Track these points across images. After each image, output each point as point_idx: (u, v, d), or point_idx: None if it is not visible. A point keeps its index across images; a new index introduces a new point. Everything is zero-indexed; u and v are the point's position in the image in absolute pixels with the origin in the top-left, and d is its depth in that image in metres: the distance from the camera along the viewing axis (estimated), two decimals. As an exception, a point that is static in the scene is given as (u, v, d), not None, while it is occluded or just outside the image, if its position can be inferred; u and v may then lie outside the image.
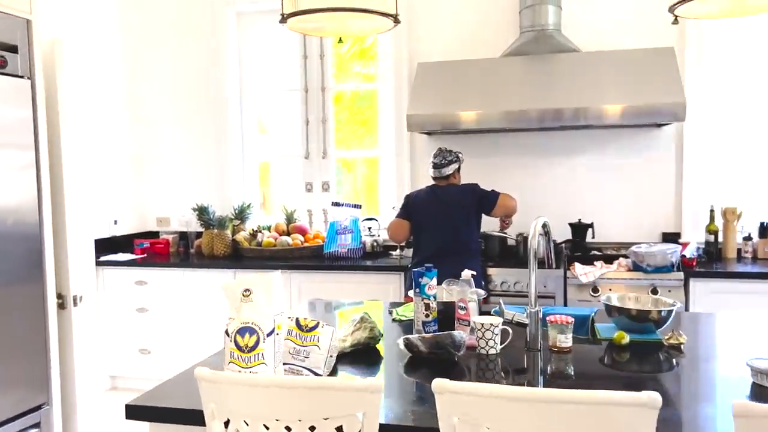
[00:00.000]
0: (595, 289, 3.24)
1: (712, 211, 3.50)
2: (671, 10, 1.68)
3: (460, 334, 1.73)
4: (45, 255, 2.58)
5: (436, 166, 3.22)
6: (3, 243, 2.34)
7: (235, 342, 1.45)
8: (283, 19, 1.75)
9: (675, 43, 3.63)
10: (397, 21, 1.83)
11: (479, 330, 1.79)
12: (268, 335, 1.45)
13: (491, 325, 1.77)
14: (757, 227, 3.48)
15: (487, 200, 3.14)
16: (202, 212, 4.07)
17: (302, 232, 4.13)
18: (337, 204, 3.99)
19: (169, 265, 3.91)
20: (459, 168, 3.26)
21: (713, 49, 3.61)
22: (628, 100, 3.24)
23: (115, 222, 4.25)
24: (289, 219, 4.19)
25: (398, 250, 3.96)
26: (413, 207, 3.25)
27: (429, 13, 3.99)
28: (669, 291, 3.15)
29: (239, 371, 1.44)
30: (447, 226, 3.13)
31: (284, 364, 1.57)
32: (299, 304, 3.72)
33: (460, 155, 3.25)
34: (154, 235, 4.50)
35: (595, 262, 3.36)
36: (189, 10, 4.39)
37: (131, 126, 4.46)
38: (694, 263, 3.25)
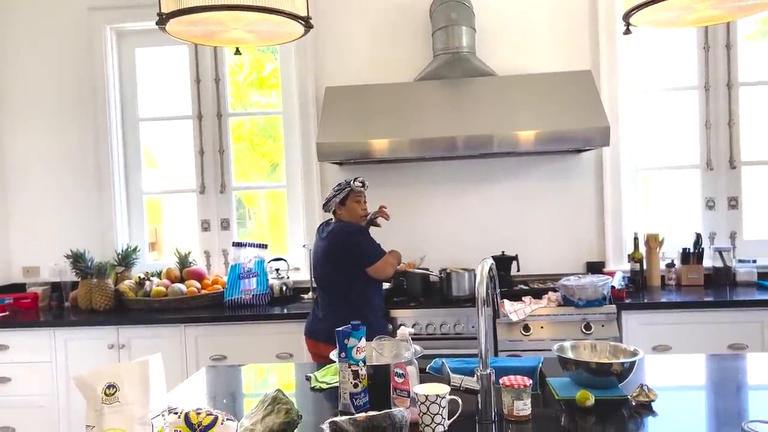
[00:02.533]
0: (527, 328, 3.00)
1: (636, 238, 3.40)
2: (625, 18, 1.47)
3: (401, 412, 1.38)
4: None
5: (323, 207, 2.93)
6: None
7: (94, 462, 1.01)
8: (162, 20, 1.36)
9: (590, 67, 3.55)
10: (308, 26, 1.49)
11: (423, 403, 1.44)
12: (144, 448, 1.03)
13: (437, 396, 1.43)
14: (679, 253, 3.42)
15: (362, 257, 2.77)
16: (77, 259, 3.47)
17: (199, 277, 3.63)
18: (239, 244, 3.54)
19: (36, 325, 3.28)
20: (343, 200, 2.86)
21: (629, 72, 3.56)
22: (548, 125, 3.08)
23: (-33, 275, 3.55)
24: (183, 263, 3.68)
25: (310, 293, 3.57)
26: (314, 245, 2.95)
27: (336, 34, 3.70)
28: (602, 325, 2.97)
29: (101, 504, 1.00)
30: (325, 271, 2.84)
31: (170, 479, 1.14)
32: (197, 363, 3.21)
33: (352, 182, 2.86)
34: (19, 288, 3.81)
35: (523, 298, 3.13)
36: (59, 27, 3.83)
37: (-11, 160, 3.79)
38: (624, 294, 3.11)
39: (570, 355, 1.78)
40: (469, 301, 3.20)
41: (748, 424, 1.29)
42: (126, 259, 3.66)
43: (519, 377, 1.54)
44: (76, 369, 3.24)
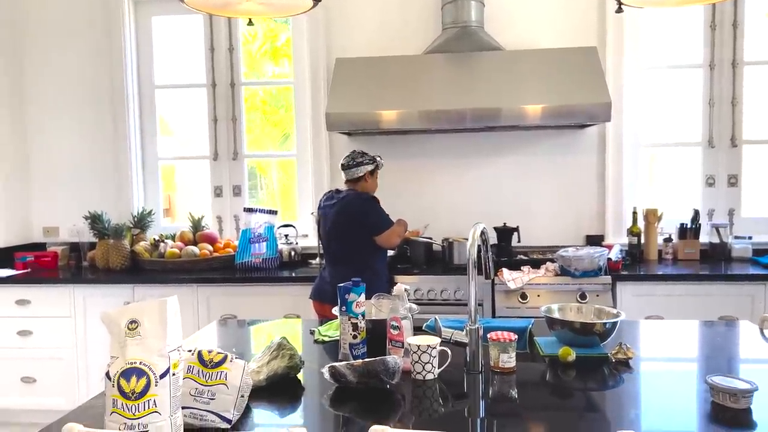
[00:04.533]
0: (524, 296, 3.12)
1: (635, 212, 3.49)
2: (617, -5, 1.55)
3: (394, 359, 1.50)
4: None
5: (343, 168, 3.02)
6: None
7: (119, 387, 1.15)
8: (180, -9, 1.46)
9: (596, 43, 3.60)
10: (317, 0, 1.58)
11: (414, 353, 1.57)
12: (162, 377, 1.16)
13: (428, 347, 1.56)
14: (677, 228, 3.50)
15: (371, 226, 2.90)
16: (95, 220, 3.62)
17: (211, 240, 3.77)
18: (250, 210, 3.67)
19: (56, 282, 3.44)
20: (373, 171, 3.03)
21: (633, 48, 3.61)
22: (551, 100, 3.16)
23: (-9, 233, 3.71)
24: (196, 227, 3.82)
25: (318, 259, 3.70)
26: (318, 210, 3.07)
27: (348, 6, 3.76)
28: (597, 295, 3.08)
29: (124, 424, 1.14)
30: (334, 235, 2.96)
31: (184, 408, 1.28)
32: (208, 322, 3.37)
33: (378, 158, 3.04)
34: (40, 247, 3.98)
35: (522, 267, 3.24)
36: (78, -6, 3.93)
37: (11, 123, 3.92)
38: (620, 266, 3.21)
39: (557, 316, 1.89)
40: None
41: (711, 378, 1.41)
42: (141, 222, 3.81)
43: (505, 332, 1.66)
44: (93, 324, 3.41)
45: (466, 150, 3.75)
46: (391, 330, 1.67)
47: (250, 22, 1.68)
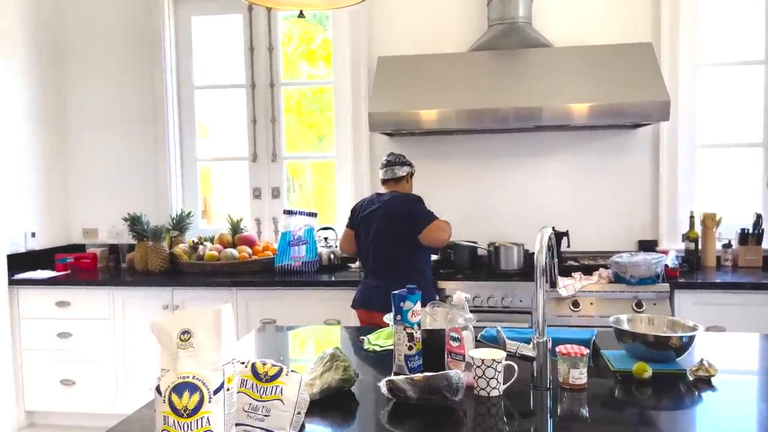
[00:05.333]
0: (576, 304, 2.98)
1: (692, 217, 3.31)
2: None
3: (458, 374, 1.39)
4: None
5: (388, 164, 2.92)
6: None
7: (171, 403, 1.07)
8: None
9: (650, 39, 3.43)
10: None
11: (478, 367, 1.45)
12: (216, 392, 1.08)
13: (493, 361, 1.44)
14: (737, 233, 3.31)
15: (416, 222, 2.74)
16: (134, 222, 3.59)
17: (250, 243, 3.71)
18: (289, 212, 3.59)
19: (96, 284, 3.42)
20: (411, 175, 2.96)
21: (689, 44, 3.43)
22: (603, 98, 3.01)
23: (33, 234, 3.71)
24: (235, 229, 3.77)
25: (357, 263, 3.60)
26: (356, 215, 2.96)
27: (390, 3, 3.67)
28: (654, 304, 2.92)
29: (176, 443, 1.05)
30: (381, 240, 2.82)
31: (237, 425, 1.19)
32: (247, 326, 3.30)
33: (411, 163, 2.97)
34: (79, 248, 3.98)
35: (573, 274, 3.10)
36: (119, -5, 3.92)
37: (52, 125, 3.92)
38: (678, 273, 3.04)
39: (626, 327, 1.76)
40: (518, 275, 3.19)
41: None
42: (180, 224, 3.77)
43: (576, 346, 1.54)
44: (132, 327, 3.38)
45: (512, 150, 3.62)
46: (451, 342, 1.56)
47: (301, 14, 1.59)
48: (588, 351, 1.52)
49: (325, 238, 3.68)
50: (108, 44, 3.94)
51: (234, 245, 3.70)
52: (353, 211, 2.99)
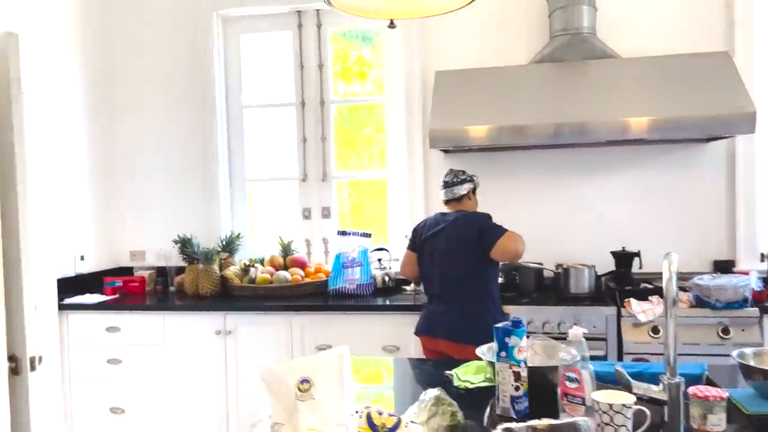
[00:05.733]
0: (655, 330, 2.78)
1: (775, 235, 3.10)
2: None
3: (586, 423, 1.23)
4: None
5: (446, 185, 2.78)
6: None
7: (288, 463, 0.93)
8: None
9: (723, 47, 3.26)
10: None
11: (605, 413, 1.29)
12: (339, 451, 0.94)
13: (623, 406, 1.28)
14: (824, 253, 3.10)
15: (487, 237, 2.59)
16: (185, 244, 3.50)
17: (301, 265, 3.59)
18: (343, 233, 3.47)
19: (145, 308, 3.32)
20: (474, 190, 2.82)
21: (764, 54, 3.25)
22: (680, 111, 2.84)
23: (82, 258, 3.64)
24: (286, 250, 3.66)
25: (411, 285, 3.46)
26: (419, 237, 2.81)
27: (445, 16, 3.55)
28: (742, 330, 2.72)
29: None
30: (449, 262, 2.66)
31: (352, 484, 1.05)
32: (302, 352, 3.17)
33: (475, 178, 2.82)
34: (126, 271, 3.90)
35: (650, 297, 2.91)
36: (169, 12, 3.87)
37: (100, 144, 3.87)
38: (765, 297, 2.83)
39: (752, 362, 1.58)
40: (589, 298, 3.01)
41: None
42: (229, 245, 3.67)
43: (712, 388, 1.36)
44: (184, 353, 3.27)
45: (577, 167, 3.45)
46: (567, 383, 1.40)
47: (392, 24, 1.47)
48: (727, 394, 1.35)
49: (379, 260, 3.55)
50: (156, 65, 3.89)
51: (286, 267, 3.58)
52: (415, 232, 2.85)
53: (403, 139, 3.65)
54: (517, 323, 1.47)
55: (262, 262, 3.69)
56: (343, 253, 3.42)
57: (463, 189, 2.74)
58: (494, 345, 1.49)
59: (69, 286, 3.51)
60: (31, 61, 3.22)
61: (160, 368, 3.30)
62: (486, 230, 2.61)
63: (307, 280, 3.47)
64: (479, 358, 1.89)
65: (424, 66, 3.58)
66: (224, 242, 3.67)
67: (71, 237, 3.58)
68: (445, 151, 3.48)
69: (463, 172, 2.78)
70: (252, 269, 3.50)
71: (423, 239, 2.77)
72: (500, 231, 2.60)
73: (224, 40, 3.89)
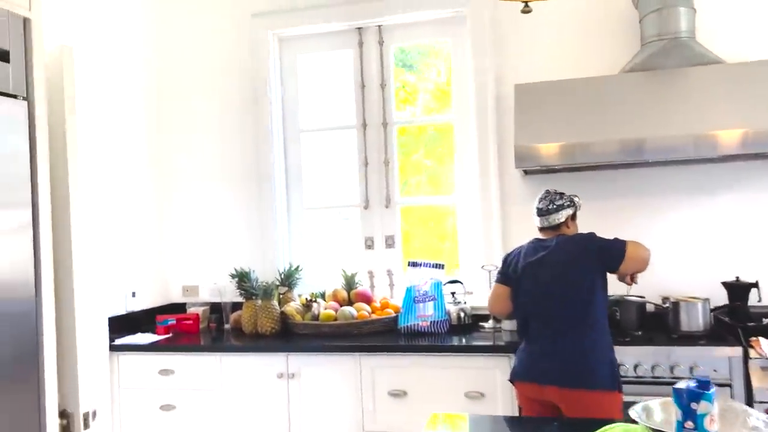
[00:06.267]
0: (792, 374, 2.37)
1: None
2: None
3: None
4: (43, 352, 1.75)
5: (541, 213, 2.45)
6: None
7: None
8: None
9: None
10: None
11: None
12: None
13: None
14: None
15: (610, 253, 2.30)
16: (242, 278, 3.24)
17: (367, 300, 3.29)
18: (414, 264, 3.16)
19: (201, 349, 3.06)
20: (574, 215, 2.49)
21: None
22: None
23: (133, 294, 3.42)
24: (350, 284, 3.36)
25: (491, 322, 3.12)
26: (512, 268, 2.47)
27: (521, 26, 3.27)
28: None
29: None
30: (558, 292, 2.31)
31: None
32: (373, 398, 2.84)
33: (575, 199, 2.49)
34: (179, 308, 3.66)
35: (780, 335, 2.50)
36: (224, 31, 3.69)
37: (151, 171, 3.68)
38: None
39: None
40: (705, 337, 2.62)
41: None
42: (289, 279, 3.40)
43: None
44: (243, 398, 2.98)
45: (679, 186, 3.09)
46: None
47: (526, 7, 1.20)
48: None
49: (453, 293, 3.22)
50: (208, 90, 3.71)
51: (350, 302, 3.29)
52: (506, 263, 2.52)
53: (474, 160, 3.35)
54: (704, 384, 1.13)
55: (323, 296, 3.40)
56: (414, 287, 3.11)
57: (562, 216, 2.41)
58: (676, 411, 1.14)
59: (120, 325, 3.27)
60: (86, 82, 3.05)
61: (218, 415, 3.01)
62: (605, 246, 2.30)
63: (375, 316, 3.16)
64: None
65: (499, 79, 3.29)
66: (283, 275, 3.40)
67: (124, 272, 3.36)
68: (525, 172, 3.17)
69: (561, 195, 2.45)
70: (314, 305, 3.22)
71: (520, 270, 2.43)
72: (621, 241, 2.32)
73: (281, 61, 3.69)
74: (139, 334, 3.29)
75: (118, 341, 3.14)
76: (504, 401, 2.69)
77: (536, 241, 2.46)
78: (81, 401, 1.85)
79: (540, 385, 2.25)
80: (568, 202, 2.43)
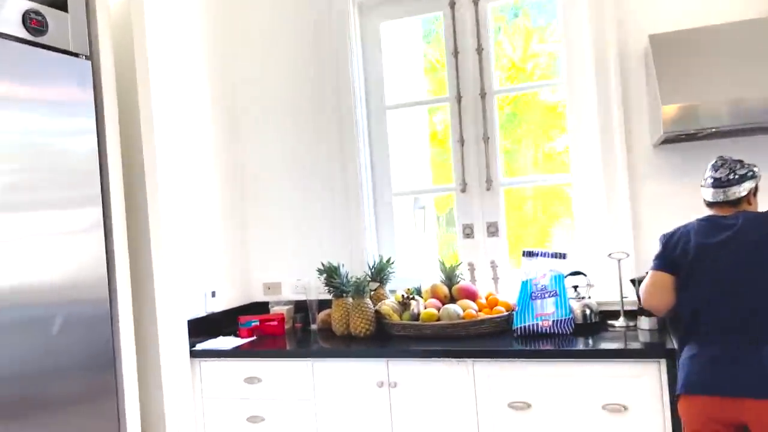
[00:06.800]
0: None
1: None
2: None
3: None
4: (121, 361, 1.43)
5: (719, 184, 1.96)
6: (52, 346, 1.22)
7: None
8: None
9: None
10: None
11: None
12: None
13: None
14: None
15: None
16: (332, 275, 2.89)
17: (472, 296, 2.88)
18: (530, 253, 2.73)
19: (290, 355, 2.73)
20: (756, 189, 2.00)
21: None
22: None
23: (213, 294, 3.13)
24: (450, 278, 2.96)
25: (621, 319, 2.65)
26: (680, 251, 1.99)
27: (650, -33, 2.76)
28: None
29: None
30: (750, 284, 1.82)
31: None
32: (492, 411, 2.43)
33: (755, 169, 1.98)
34: (261, 307, 3.35)
35: None
36: (296, 7, 3.34)
37: (227, 162, 3.37)
38: None
39: None
40: None
41: None
42: (380, 273, 3.03)
43: None
44: (339, 410, 2.63)
45: None
46: None
47: None
48: None
49: (575, 287, 2.76)
50: (282, 68, 3.37)
51: (452, 299, 2.88)
52: (668, 245, 2.04)
53: (594, 130, 2.88)
54: None
55: (419, 292, 3.01)
56: (531, 280, 2.67)
57: (744, 189, 1.93)
58: None
59: (200, 328, 2.99)
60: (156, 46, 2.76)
61: (312, 429, 2.68)
62: None
63: (482, 314, 2.75)
64: None
65: (621, 35, 2.80)
66: (374, 270, 3.04)
67: (202, 271, 3.08)
68: (665, 143, 2.66)
69: (741, 163, 1.96)
70: (413, 302, 2.83)
71: (692, 253, 1.95)
72: None
73: (361, 30, 3.30)
74: (221, 338, 3.00)
75: (199, 346, 2.86)
76: (653, 416, 2.23)
77: (710, 219, 1.98)
78: (168, 424, 1.53)
79: (731, 398, 1.77)
80: (751, 173, 1.94)
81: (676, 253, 2.00)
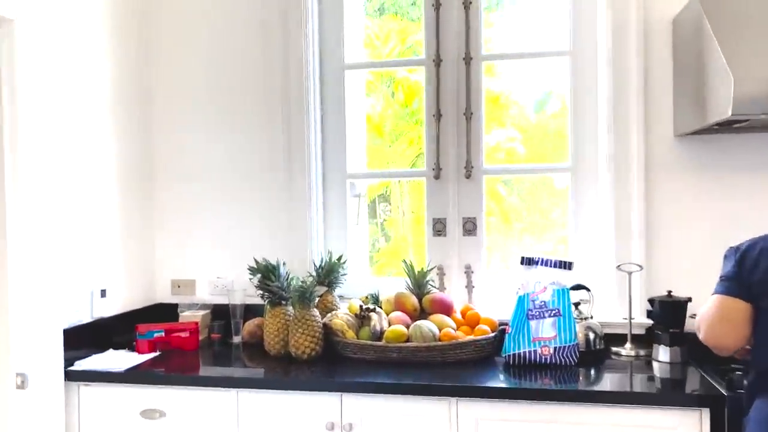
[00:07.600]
0: None
1: None
2: None
3: None
4: None
5: None
6: None
7: None
8: None
9: None
10: None
11: None
12: None
13: None
14: None
15: None
16: (268, 275, 2.19)
17: (446, 309, 2.28)
18: (530, 261, 2.15)
19: (209, 383, 2.02)
20: None
21: None
22: None
23: (102, 293, 2.33)
24: (420, 285, 2.33)
25: (627, 346, 2.15)
26: (763, 272, 1.47)
27: None
28: None
29: None
30: None
31: None
32: (482, 467, 1.84)
33: None
34: (167, 311, 2.58)
35: None
36: (237, -73, 2.60)
37: (132, 132, 2.57)
38: None
39: None
40: None
41: None
42: (329, 275, 2.37)
43: None
44: (273, 461, 1.95)
45: None
46: None
47: None
48: None
49: (575, 305, 2.22)
50: (216, 29, 2.62)
51: (423, 312, 2.27)
52: (744, 263, 1.51)
53: (603, 115, 2.35)
54: None
55: (376, 300, 2.37)
56: (528, 294, 2.10)
57: None
58: None
59: (83, 339, 2.20)
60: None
61: (231, 484, 1.98)
62: None
63: (463, 335, 2.15)
64: None
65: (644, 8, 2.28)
66: (321, 270, 2.37)
67: (88, 263, 2.27)
68: (685, 134, 2.16)
69: None
70: (373, 316, 2.19)
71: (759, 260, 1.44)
72: None
73: (320, -33, 2.61)
74: (111, 352, 2.24)
75: (79, 364, 2.08)
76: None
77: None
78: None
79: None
80: None
81: (757, 275, 1.48)
